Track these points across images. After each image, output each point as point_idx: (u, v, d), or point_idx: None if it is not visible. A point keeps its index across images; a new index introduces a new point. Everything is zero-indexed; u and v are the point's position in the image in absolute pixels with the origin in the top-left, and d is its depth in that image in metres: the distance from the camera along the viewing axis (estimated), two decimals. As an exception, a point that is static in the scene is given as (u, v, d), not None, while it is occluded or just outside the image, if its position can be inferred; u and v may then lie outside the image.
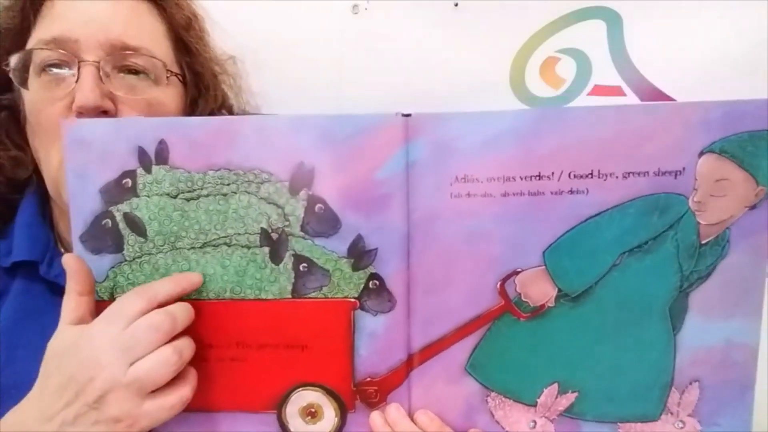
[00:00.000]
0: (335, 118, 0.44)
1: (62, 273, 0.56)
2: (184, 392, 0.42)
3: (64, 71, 0.53)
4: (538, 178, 0.42)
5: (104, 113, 0.53)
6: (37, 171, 0.59)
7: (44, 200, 0.61)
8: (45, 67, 0.54)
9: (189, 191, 0.44)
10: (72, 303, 0.44)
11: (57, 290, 0.56)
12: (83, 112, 0.52)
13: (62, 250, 0.60)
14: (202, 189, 0.44)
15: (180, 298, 0.44)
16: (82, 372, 0.40)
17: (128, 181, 0.44)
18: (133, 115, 0.55)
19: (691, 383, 0.45)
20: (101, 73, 0.53)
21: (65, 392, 0.40)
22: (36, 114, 0.55)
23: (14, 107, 0.59)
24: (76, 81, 0.52)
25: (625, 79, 0.71)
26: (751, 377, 0.45)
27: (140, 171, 0.44)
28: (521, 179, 0.42)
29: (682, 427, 0.45)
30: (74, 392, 0.40)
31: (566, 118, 0.42)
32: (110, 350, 0.40)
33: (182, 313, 0.43)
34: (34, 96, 0.55)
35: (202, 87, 0.64)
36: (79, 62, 0.52)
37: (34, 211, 0.59)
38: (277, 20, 0.80)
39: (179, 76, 0.60)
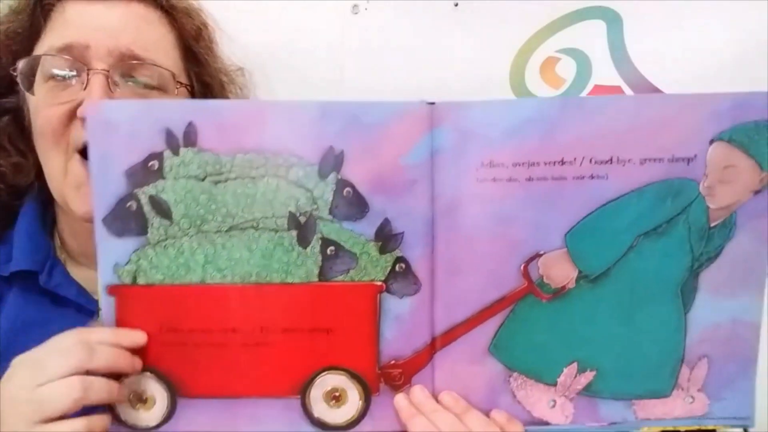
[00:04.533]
0: (363, 105, 0.44)
1: (62, 283, 0.56)
2: (76, 426, 0.41)
3: (72, 77, 0.53)
4: (561, 163, 0.44)
5: None
6: (39, 177, 0.57)
7: (45, 207, 0.60)
8: (53, 73, 0.53)
9: (217, 174, 0.44)
10: None
11: (56, 300, 0.56)
12: None
13: (63, 257, 0.59)
14: (230, 172, 0.44)
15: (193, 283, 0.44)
16: None
17: (155, 163, 0.44)
18: None
19: (700, 359, 0.48)
20: (110, 82, 0.52)
21: None
22: (35, 116, 0.54)
23: (18, 111, 0.58)
24: (84, 88, 0.52)
25: (625, 78, 0.72)
26: (754, 352, 0.48)
27: (167, 153, 0.44)
28: (545, 164, 0.44)
29: (691, 402, 0.48)
30: None
31: (588, 107, 0.44)
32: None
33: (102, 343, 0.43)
34: (39, 100, 0.54)
35: (209, 98, 0.64)
36: (88, 70, 0.52)
37: (34, 218, 0.58)
38: (276, 21, 0.80)
39: (188, 87, 0.60)
